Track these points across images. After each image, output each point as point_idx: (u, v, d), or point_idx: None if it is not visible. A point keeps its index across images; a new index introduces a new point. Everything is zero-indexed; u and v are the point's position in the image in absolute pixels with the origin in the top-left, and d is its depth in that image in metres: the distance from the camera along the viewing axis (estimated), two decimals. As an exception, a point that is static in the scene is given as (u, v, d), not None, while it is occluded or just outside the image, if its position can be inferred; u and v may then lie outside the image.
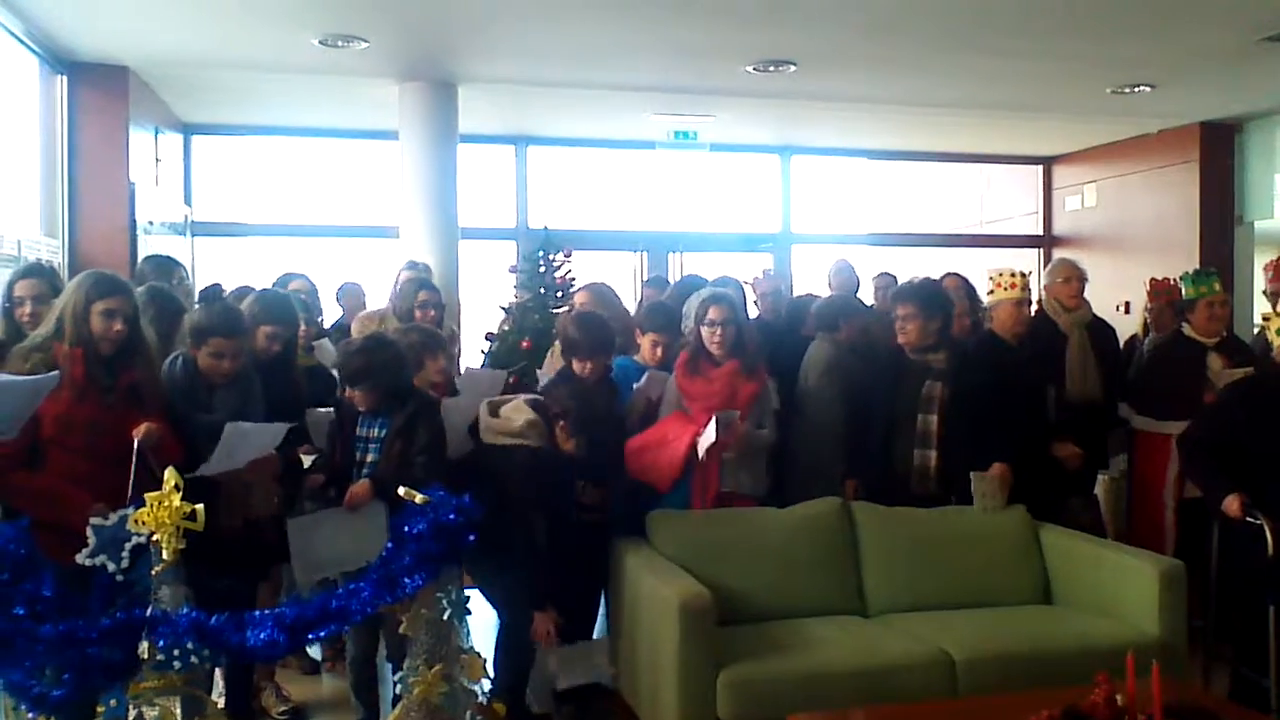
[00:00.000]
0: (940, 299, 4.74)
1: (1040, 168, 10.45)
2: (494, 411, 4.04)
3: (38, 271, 4.06)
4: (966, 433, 4.46)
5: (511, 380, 5.06)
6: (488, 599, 4.18)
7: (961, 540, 4.37)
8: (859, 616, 4.15)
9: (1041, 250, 10.31)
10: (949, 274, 6.13)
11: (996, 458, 4.46)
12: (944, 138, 9.54)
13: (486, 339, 6.40)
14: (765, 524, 4.26)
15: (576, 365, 4.28)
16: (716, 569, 3.99)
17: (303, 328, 4.96)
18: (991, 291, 5.11)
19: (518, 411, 3.96)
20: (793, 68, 6.70)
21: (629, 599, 4.08)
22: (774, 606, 4.06)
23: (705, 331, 4.41)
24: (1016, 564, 4.37)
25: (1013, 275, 5.04)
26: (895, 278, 7.01)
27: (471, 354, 6.63)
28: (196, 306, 3.83)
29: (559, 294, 6.41)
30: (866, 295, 6.65)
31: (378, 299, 6.46)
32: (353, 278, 6.88)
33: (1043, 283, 5.60)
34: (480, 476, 3.82)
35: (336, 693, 4.79)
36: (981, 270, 5.61)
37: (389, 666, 4.11)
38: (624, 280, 9.09)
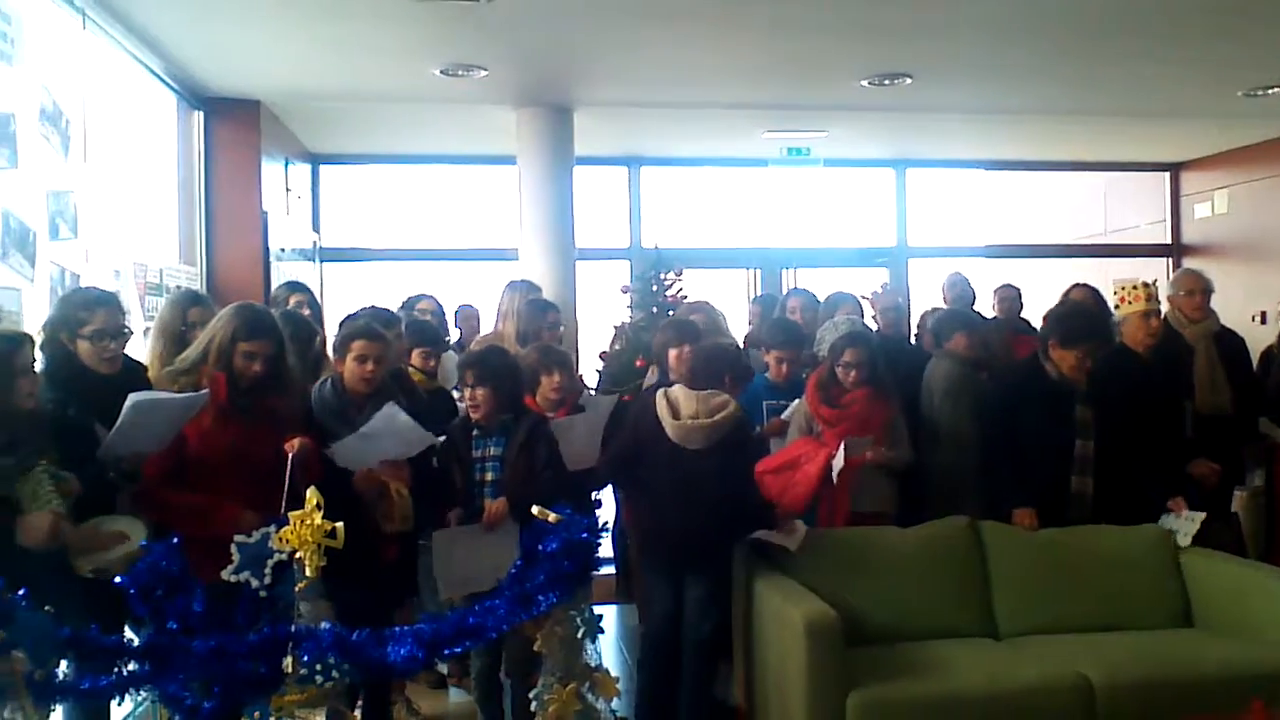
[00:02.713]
0: None
1: (1167, 174, 10.11)
2: None
3: (203, 300, 4.37)
4: (1121, 456, 4.33)
5: (626, 399, 5.11)
6: None
7: (1095, 560, 4.25)
8: (989, 639, 4.07)
9: (1170, 260, 9.96)
10: (1079, 285, 5.98)
11: (1175, 491, 4.37)
12: (1064, 146, 9.31)
13: (600, 359, 6.46)
14: (892, 543, 4.21)
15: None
16: (842, 589, 3.96)
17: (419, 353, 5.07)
18: (1118, 306, 4.98)
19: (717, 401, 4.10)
20: (908, 80, 6.62)
21: (755, 619, 4.07)
22: (901, 627, 4.01)
23: (840, 371, 4.39)
24: (1154, 585, 4.24)
25: (1135, 287, 4.91)
26: (1018, 290, 6.88)
27: (586, 374, 6.70)
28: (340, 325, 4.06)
29: (670, 313, 6.44)
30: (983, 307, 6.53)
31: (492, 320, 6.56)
32: (470, 300, 7.01)
33: (1166, 294, 5.43)
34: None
35: (463, 706, 4.88)
36: (1107, 281, 5.46)
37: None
38: (737, 298, 9.08)
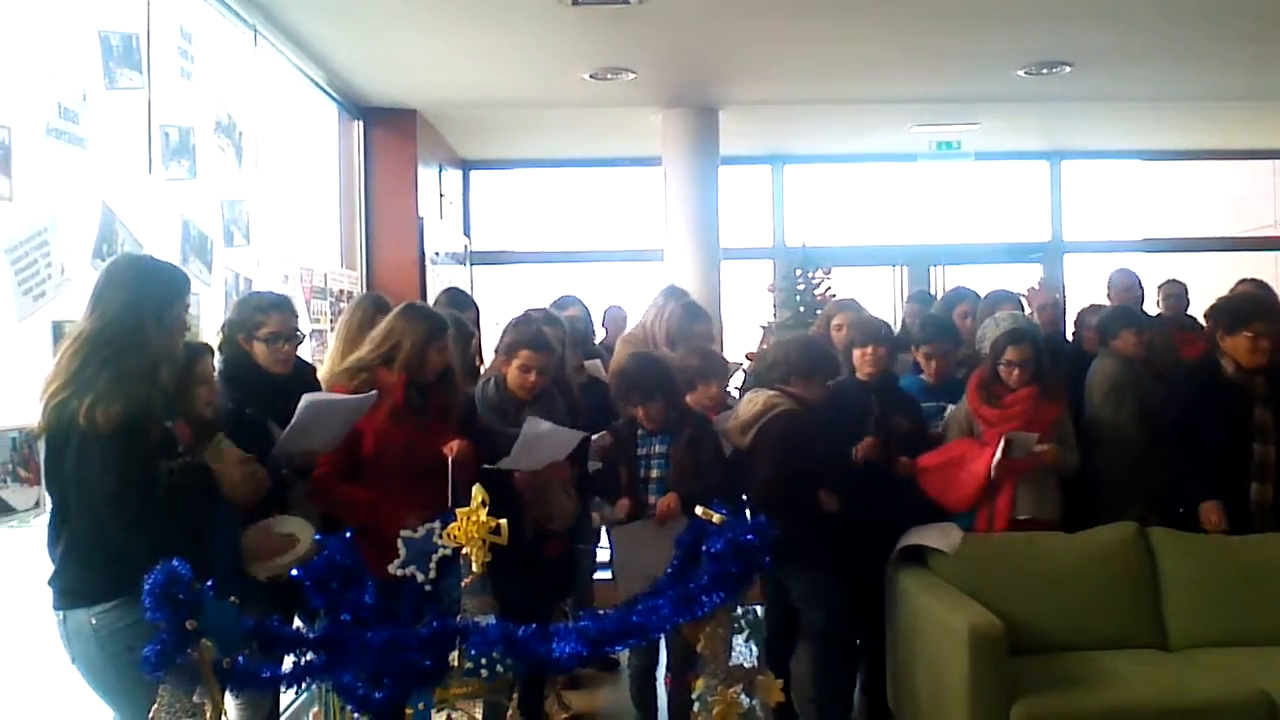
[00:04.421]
0: None
1: (1346, 160, 9.53)
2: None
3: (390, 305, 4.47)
4: None
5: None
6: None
7: (1272, 568, 4.02)
8: (1160, 650, 3.90)
9: (1351, 252, 9.39)
10: (1245, 280, 5.69)
11: None
12: (1230, 133, 8.86)
13: (746, 358, 6.44)
14: (1054, 550, 4.07)
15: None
16: (1002, 595, 3.84)
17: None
18: (1294, 300, 4.72)
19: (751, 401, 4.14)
20: (1067, 69, 6.40)
21: (908, 625, 3.99)
22: (1065, 637, 3.88)
23: (1003, 369, 4.27)
24: (1341, 595, 3.98)
25: None
26: (1185, 286, 6.57)
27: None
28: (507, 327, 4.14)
29: (817, 311, 6.38)
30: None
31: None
32: (617, 301, 7.07)
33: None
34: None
35: (614, 702, 4.93)
36: (1279, 275, 5.18)
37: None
38: (884, 296, 8.94)
